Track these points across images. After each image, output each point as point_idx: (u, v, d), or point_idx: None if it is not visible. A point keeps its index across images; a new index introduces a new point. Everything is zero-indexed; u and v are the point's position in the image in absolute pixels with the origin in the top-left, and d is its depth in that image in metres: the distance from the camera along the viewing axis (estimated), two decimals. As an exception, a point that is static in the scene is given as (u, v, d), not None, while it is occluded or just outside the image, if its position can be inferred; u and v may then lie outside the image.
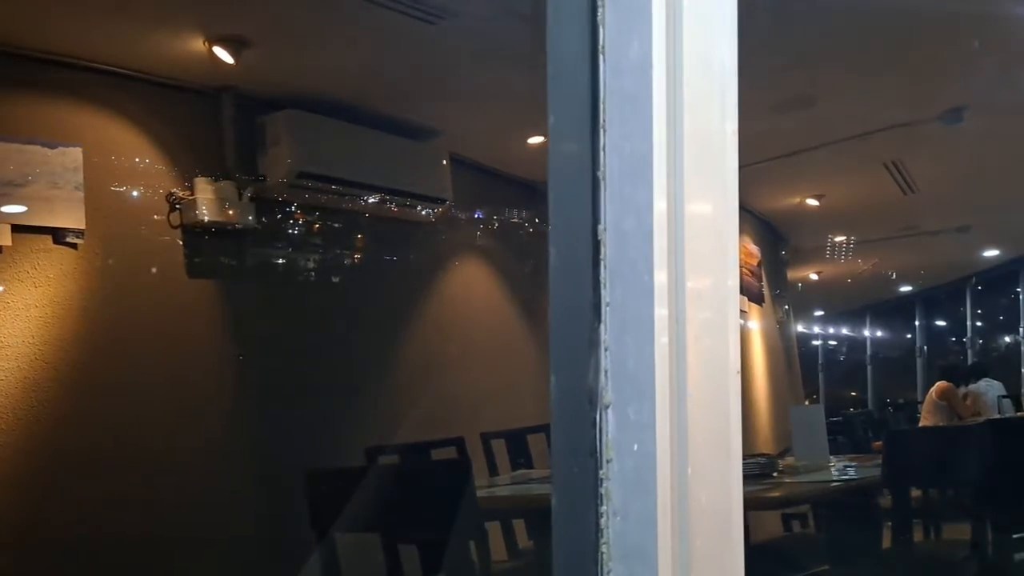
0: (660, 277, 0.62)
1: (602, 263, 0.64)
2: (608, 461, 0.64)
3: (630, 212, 0.63)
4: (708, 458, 0.63)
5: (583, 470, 0.64)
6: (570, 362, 0.66)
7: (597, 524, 0.64)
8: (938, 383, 6.15)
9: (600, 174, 0.65)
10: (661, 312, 0.61)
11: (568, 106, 0.66)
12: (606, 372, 0.64)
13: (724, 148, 0.64)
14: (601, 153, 0.65)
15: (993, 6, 3.26)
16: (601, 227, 0.64)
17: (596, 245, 0.65)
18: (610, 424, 0.64)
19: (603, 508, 0.64)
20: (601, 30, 0.64)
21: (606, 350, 0.64)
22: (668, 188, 0.62)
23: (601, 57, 0.64)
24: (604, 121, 0.64)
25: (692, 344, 0.62)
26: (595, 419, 0.64)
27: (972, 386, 6.37)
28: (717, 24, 0.64)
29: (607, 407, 0.64)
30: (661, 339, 0.61)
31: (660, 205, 0.62)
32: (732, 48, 0.64)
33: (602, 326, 0.64)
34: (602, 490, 0.64)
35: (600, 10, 0.65)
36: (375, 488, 2.93)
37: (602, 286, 0.64)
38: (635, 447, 0.62)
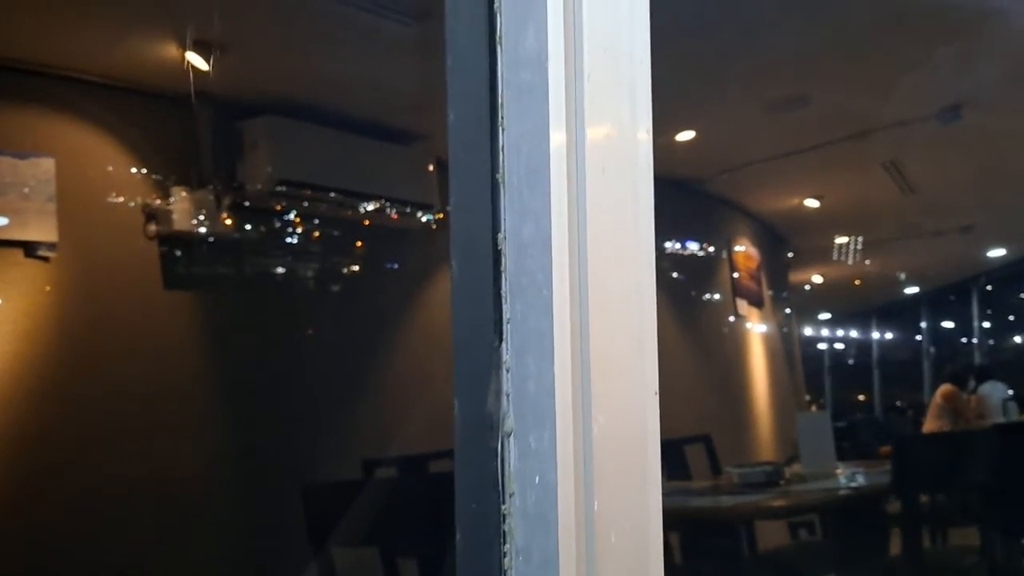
0: (560, 289, 0.55)
1: (503, 275, 0.58)
2: (511, 495, 0.57)
3: (529, 219, 0.57)
4: (620, 491, 0.56)
5: (484, 505, 0.58)
6: (472, 385, 0.60)
7: (500, 565, 0.58)
8: (942, 386, 6.08)
9: (499, 177, 0.59)
10: (562, 328, 0.55)
11: (466, 102, 0.60)
12: (507, 396, 0.58)
13: (636, 150, 0.58)
14: (500, 154, 0.59)
15: (984, 2, 3.19)
16: (501, 236, 0.58)
17: (497, 255, 0.59)
18: (512, 454, 0.57)
19: (506, 547, 0.58)
20: (498, 17, 0.59)
21: (507, 371, 0.58)
22: (568, 193, 0.56)
23: (499, 48, 0.58)
24: (502, 119, 0.58)
25: (599, 363, 0.56)
26: (496, 448, 0.58)
27: (978, 389, 6.30)
28: (624, 12, 0.58)
29: (509, 434, 0.58)
30: (562, 358, 0.55)
31: (559, 211, 0.55)
32: (643, 41, 0.58)
33: (503, 345, 0.58)
34: (505, 527, 0.57)
35: (497, -4, 0.59)
36: (373, 501, 2.89)
37: (503, 300, 0.58)
38: (537, 479, 0.56)
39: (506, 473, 0.57)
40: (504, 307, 0.58)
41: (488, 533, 0.58)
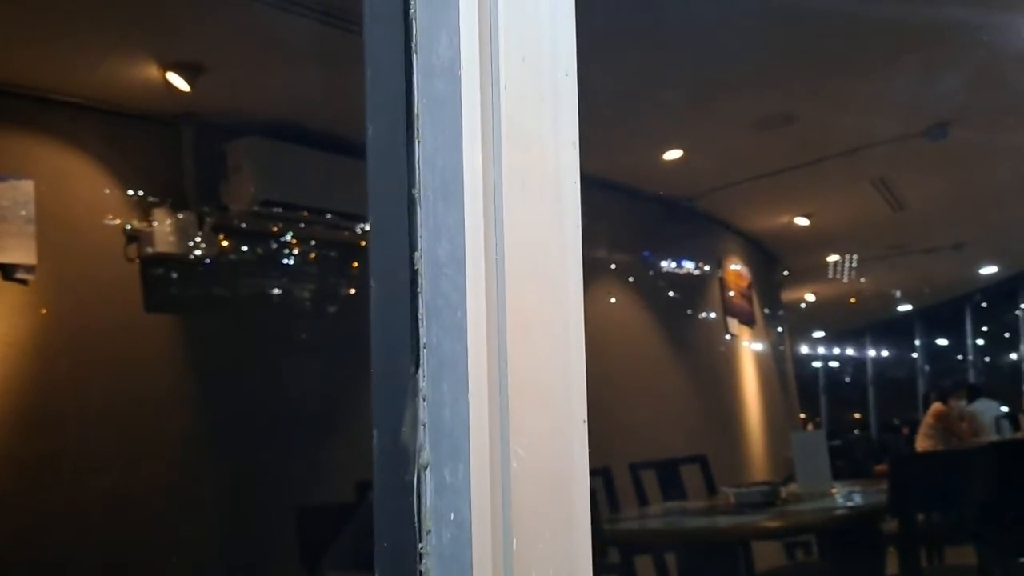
0: (475, 311, 0.52)
1: (419, 297, 0.55)
2: (427, 532, 0.54)
3: (443, 237, 0.53)
4: (542, 529, 0.53)
5: (400, 543, 0.54)
6: (389, 414, 0.56)
7: (417, 608, 0.54)
8: (933, 406, 6.02)
9: (416, 193, 0.55)
10: (476, 353, 0.52)
11: (384, 114, 0.57)
12: (424, 425, 0.54)
13: (559, 164, 0.55)
14: (416, 168, 0.55)
15: (970, 19, 3.19)
16: (417, 255, 0.55)
17: (413, 276, 0.55)
18: (429, 488, 0.54)
19: (423, 589, 0.54)
20: (414, 24, 0.55)
21: (424, 399, 0.54)
22: (485, 208, 0.52)
23: (414, 56, 0.55)
24: (418, 131, 0.55)
25: (518, 391, 0.52)
26: (412, 482, 0.54)
27: (969, 407, 6.24)
28: (545, 19, 0.54)
29: (425, 467, 0.54)
30: (477, 385, 0.52)
31: (474, 227, 0.52)
32: (568, 50, 0.55)
33: (420, 371, 0.55)
34: (421, 567, 0.54)
35: (412, 1, 0.55)
36: (367, 524, 2.84)
37: (419, 323, 0.55)
38: (452, 516, 0.52)
39: (423, 509, 0.54)
40: (420, 331, 0.54)
41: (405, 573, 0.54)
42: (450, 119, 0.53)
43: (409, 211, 0.55)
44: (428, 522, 0.53)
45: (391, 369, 0.56)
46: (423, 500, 0.54)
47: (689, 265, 5.65)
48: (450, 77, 0.53)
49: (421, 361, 0.54)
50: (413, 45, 0.55)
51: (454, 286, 0.52)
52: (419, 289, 0.55)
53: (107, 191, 3.23)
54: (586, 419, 0.55)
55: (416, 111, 0.55)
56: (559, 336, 0.54)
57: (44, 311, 3.01)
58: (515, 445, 0.52)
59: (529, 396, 0.53)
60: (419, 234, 0.55)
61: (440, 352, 0.53)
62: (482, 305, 0.52)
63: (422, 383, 0.54)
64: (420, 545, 0.53)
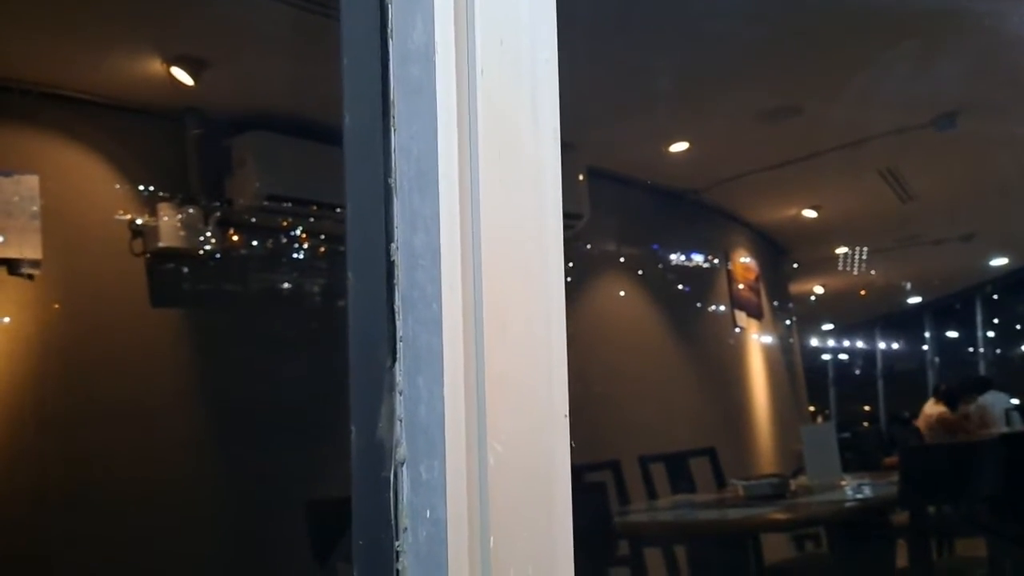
0: (451, 302, 0.51)
1: (396, 288, 0.53)
2: (404, 530, 0.52)
3: (419, 227, 0.52)
4: (520, 527, 0.51)
5: (377, 540, 0.53)
6: (366, 409, 0.55)
7: (394, 607, 0.53)
8: (936, 408, 5.95)
9: (392, 182, 0.54)
10: (452, 346, 0.50)
11: (360, 102, 0.56)
12: (400, 421, 0.53)
13: (539, 153, 0.53)
14: (392, 157, 0.54)
15: (976, 6, 3.15)
16: (394, 246, 0.54)
17: (390, 267, 0.54)
18: (405, 485, 0.53)
19: (399, 588, 0.53)
20: (389, 9, 0.54)
21: (400, 394, 0.53)
22: (461, 198, 0.51)
23: (390, 42, 0.54)
24: (393, 119, 0.54)
25: (496, 385, 0.51)
26: (389, 478, 0.53)
27: (978, 400, 6.17)
28: (524, 2, 0.53)
29: (402, 463, 0.53)
30: (453, 379, 0.50)
31: (450, 217, 0.51)
32: (548, 34, 0.53)
33: (396, 365, 0.53)
34: (398, 566, 0.52)
35: (387, -14, 0.54)
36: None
37: (396, 316, 0.53)
38: (428, 513, 0.51)
39: (399, 506, 0.53)
40: (397, 323, 0.53)
41: (382, 571, 0.53)
42: (426, 106, 0.51)
43: (385, 201, 0.54)
44: (405, 519, 0.52)
45: (368, 363, 0.55)
46: (400, 497, 0.53)
47: (697, 258, 5.62)
48: (425, 63, 0.51)
49: (398, 355, 0.53)
50: (389, 31, 0.54)
51: (429, 278, 0.51)
52: (395, 281, 0.53)
53: (112, 186, 3.22)
54: (568, 414, 0.54)
55: (392, 99, 0.53)
56: (539, 329, 0.53)
57: (50, 306, 3.02)
58: (492, 441, 0.50)
59: (507, 391, 0.51)
60: (395, 224, 0.54)
61: (416, 345, 0.52)
62: (458, 298, 0.50)
63: (398, 377, 0.53)
64: (397, 543, 0.52)
